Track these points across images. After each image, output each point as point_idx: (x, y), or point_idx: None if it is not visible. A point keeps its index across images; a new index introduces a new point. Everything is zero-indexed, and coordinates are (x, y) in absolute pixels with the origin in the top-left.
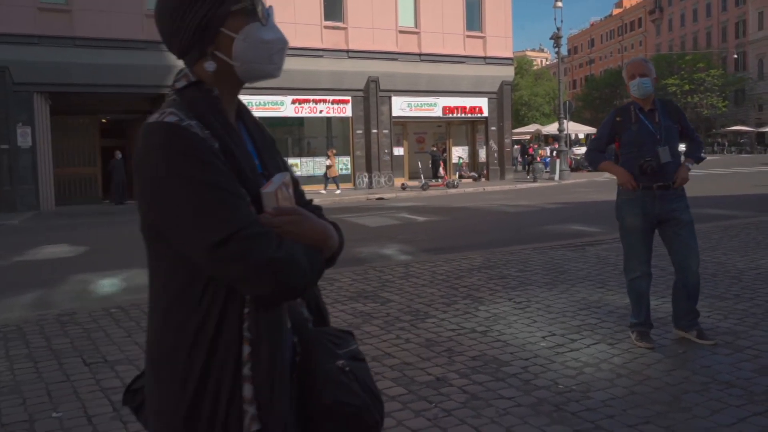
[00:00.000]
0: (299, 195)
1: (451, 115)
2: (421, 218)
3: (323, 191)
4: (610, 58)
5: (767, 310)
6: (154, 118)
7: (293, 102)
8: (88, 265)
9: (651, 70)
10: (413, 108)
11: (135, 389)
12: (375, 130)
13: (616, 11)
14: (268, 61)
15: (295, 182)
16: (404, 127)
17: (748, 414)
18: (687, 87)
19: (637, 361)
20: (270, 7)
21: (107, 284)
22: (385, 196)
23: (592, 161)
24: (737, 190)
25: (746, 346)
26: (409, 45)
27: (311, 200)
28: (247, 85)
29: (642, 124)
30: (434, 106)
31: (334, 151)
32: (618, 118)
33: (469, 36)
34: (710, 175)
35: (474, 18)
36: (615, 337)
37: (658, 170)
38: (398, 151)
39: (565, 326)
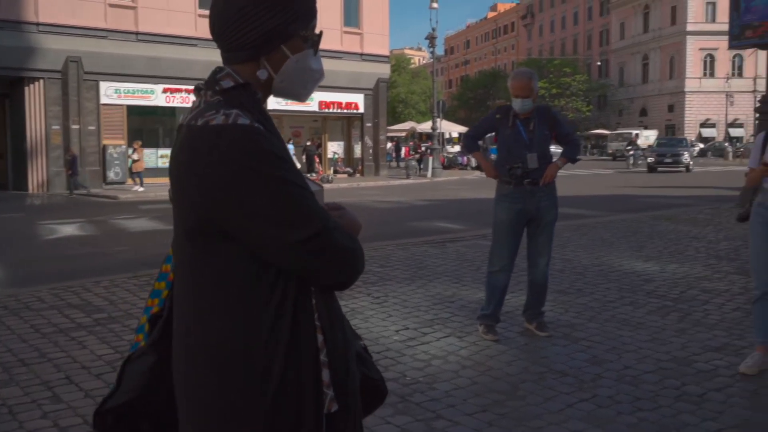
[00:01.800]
0: None
1: (327, 110)
2: None
3: (138, 187)
4: (485, 59)
5: (604, 304)
6: (219, 120)
7: (164, 91)
8: None
9: (534, 90)
10: (290, 102)
11: (106, 410)
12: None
13: (491, 14)
14: (304, 86)
15: None
16: (279, 120)
17: (575, 400)
18: (554, 90)
19: (482, 353)
20: (321, 33)
21: None
22: None
23: (468, 146)
24: (593, 191)
25: (581, 338)
26: None
27: None
28: (120, 71)
29: (517, 129)
30: (311, 101)
31: (140, 143)
32: (498, 116)
33: (346, 32)
34: (571, 176)
35: (352, 14)
36: (464, 330)
37: (525, 176)
38: None
39: (419, 320)
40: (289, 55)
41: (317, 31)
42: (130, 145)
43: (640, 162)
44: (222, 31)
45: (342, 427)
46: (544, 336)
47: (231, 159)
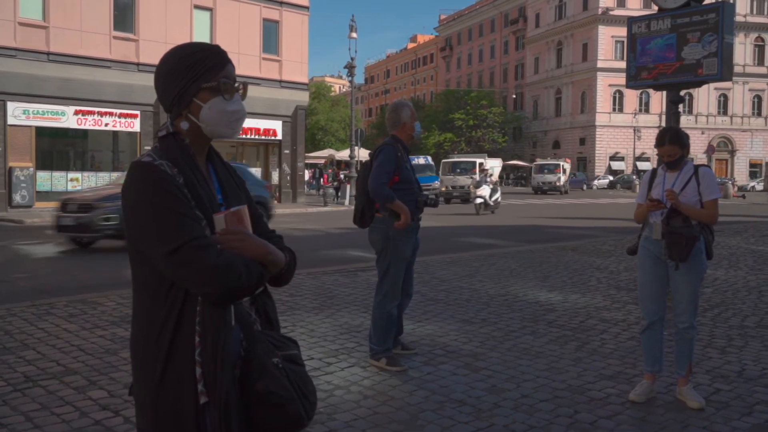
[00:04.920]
0: (260, 224)
1: (244, 136)
2: None
3: None
4: (405, 89)
5: (506, 333)
6: (136, 159)
7: (76, 113)
8: None
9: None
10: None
11: None
12: None
13: (410, 45)
14: (228, 126)
15: (258, 214)
16: None
17: (473, 429)
18: (472, 122)
19: (385, 383)
20: (240, 84)
21: None
22: None
23: (388, 197)
24: (506, 221)
25: (482, 367)
26: None
27: (273, 230)
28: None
29: (410, 162)
30: None
31: None
32: (399, 154)
33: (265, 58)
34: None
35: (271, 41)
36: (369, 360)
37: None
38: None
39: (324, 350)
40: (201, 104)
41: (235, 80)
42: (39, 167)
43: (494, 201)
44: (159, 98)
45: (216, 420)
46: (410, 353)
47: (129, 187)
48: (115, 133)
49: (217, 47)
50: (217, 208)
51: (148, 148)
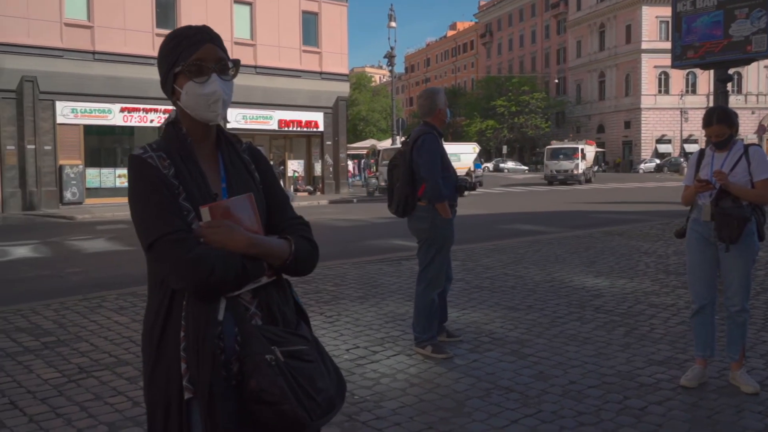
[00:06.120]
0: (280, 210)
1: (287, 129)
2: None
3: None
4: (445, 77)
5: (553, 319)
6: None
7: (122, 110)
8: None
9: None
10: (248, 120)
11: None
12: None
13: (450, 33)
14: (207, 109)
15: (277, 202)
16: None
17: (520, 416)
18: (514, 108)
19: (431, 371)
20: (220, 63)
21: None
22: None
23: (444, 197)
24: (551, 207)
25: (529, 354)
26: (245, 57)
27: (300, 217)
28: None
29: (444, 147)
30: (270, 119)
31: None
32: (439, 142)
33: (305, 51)
34: (531, 192)
35: (310, 33)
36: (414, 348)
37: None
38: None
39: (370, 339)
40: (180, 90)
41: (220, 60)
42: (87, 165)
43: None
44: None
45: (203, 413)
46: (456, 340)
47: (128, 180)
48: (161, 129)
49: (199, 28)
50: (210, 198)
51: None
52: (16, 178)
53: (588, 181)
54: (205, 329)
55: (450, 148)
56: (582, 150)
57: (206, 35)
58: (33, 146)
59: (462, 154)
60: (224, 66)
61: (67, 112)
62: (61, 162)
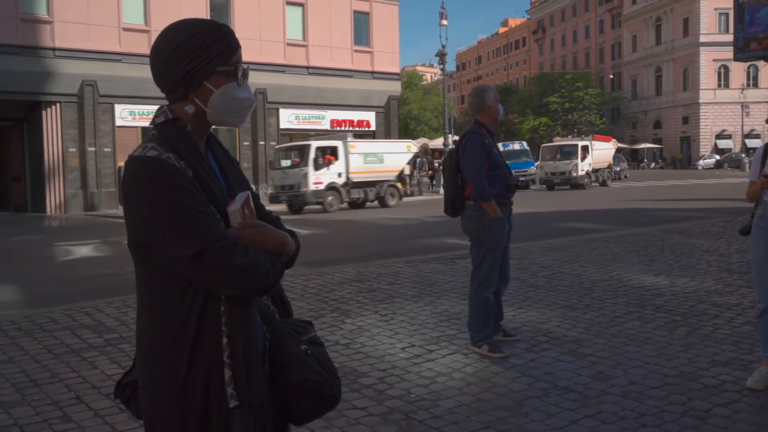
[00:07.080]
0: (259, 208)
1: (339, 128)
2: (304, 231)
3: None
4: (497, 74)
5: (611, 319)
6: (137, 152)
7: None
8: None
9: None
10: (301, 120)
11: (125, 383)
12: (262, 142)
13: (502, 30)
14: (236, 114)
15: (255, 197)
16: (291, 139)
17: (579, 417)
18: (567, 105)
19: (487, 370)
20: (248, 68)
21: None
22: (273, 208)
23: (489, 196)
24: (604, 205)
25: (587, 354)
26: (297, 58)
27: (270, 212)
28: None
29: (496, 146)
30: (322, 119)
31: None
32: (486, 141)
33: (356, 50)
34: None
35: (361, 33)
36: (470, 347)
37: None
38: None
39: (425, 337)
40: (213, 89)
41: (242, 64)
42: None
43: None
44: (157, 78)
45: (246, 422)
46: (512, 340)
47: (138, 184)
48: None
49: (228, 27)
50: (228, 200)
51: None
52: (78, 180)
53: (603, 183)
54: (254, 333)
55: (378, 146)
56: (585, 147)
57: (236, 37)
58: (93, 148)
59: (386, 154)
60: (247, 72)
61: (125, 115)
62: (120, 164)
